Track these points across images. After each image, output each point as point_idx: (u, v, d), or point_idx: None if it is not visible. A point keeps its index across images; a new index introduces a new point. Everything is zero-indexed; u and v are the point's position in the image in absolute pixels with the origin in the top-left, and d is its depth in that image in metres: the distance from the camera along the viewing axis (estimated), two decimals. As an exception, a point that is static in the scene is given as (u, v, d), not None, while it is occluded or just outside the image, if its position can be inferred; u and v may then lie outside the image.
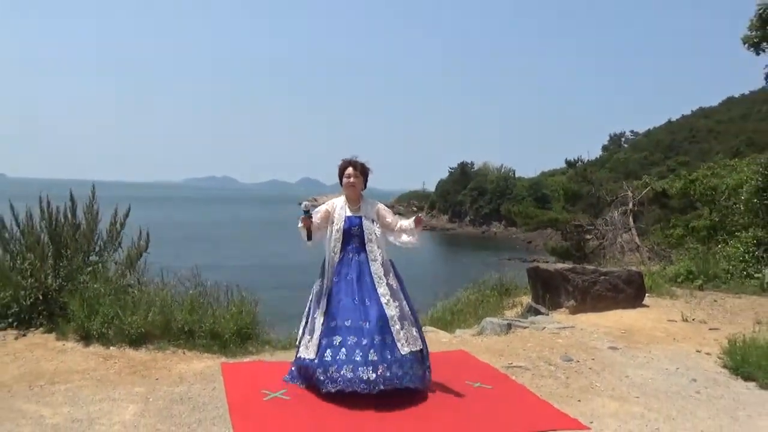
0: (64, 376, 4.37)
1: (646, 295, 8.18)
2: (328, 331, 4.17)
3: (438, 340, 6.05)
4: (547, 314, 7.28)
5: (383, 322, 4.12)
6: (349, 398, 3.96)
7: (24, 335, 5.20)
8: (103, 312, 5.10)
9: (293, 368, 4.40)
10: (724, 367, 5.23)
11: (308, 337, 4.29)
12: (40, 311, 5.38)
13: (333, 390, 3.99)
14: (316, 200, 4.88)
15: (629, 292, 7.84)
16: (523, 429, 3.83)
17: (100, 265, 5.81)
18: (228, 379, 4.44)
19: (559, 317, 7.21)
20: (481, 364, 5.12)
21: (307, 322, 4.39)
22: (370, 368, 3.97)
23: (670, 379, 4.93)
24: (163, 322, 5.21)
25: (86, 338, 5.09)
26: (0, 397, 3.98)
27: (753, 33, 11.50)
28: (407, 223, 4.43)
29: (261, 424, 3.72)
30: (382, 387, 3.95)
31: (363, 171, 4.51)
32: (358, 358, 4.00)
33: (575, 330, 6.46)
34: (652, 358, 5.50)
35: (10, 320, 5.32)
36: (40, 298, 5.38)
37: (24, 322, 5.34)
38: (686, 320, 7.07)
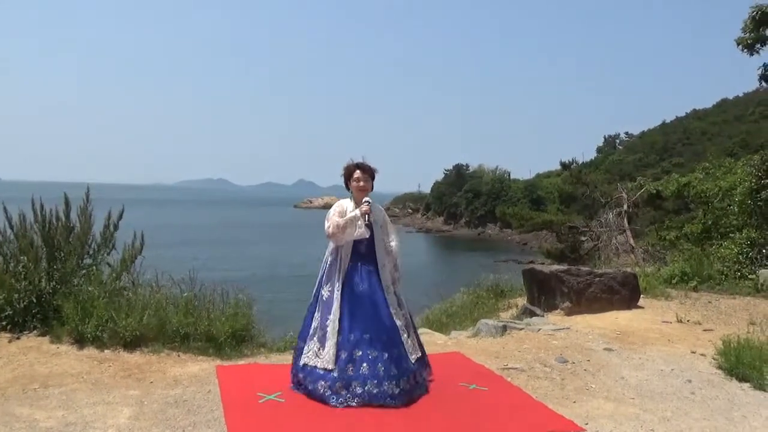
0: (58, 380, 4.36)
1: (641, 296, 8.21)
2: (347, 344, 4.04)
3: (433, 342, 6.05)
4: (543, 316, 7.29)
5: (396, 334, 4.13)
6: (413, 391, 4.12)
7: (18, 338, 5.17)
8: (97, 315, 5.09)
9: (300, 375, 4.20)
10: (719, 368, 5.25)
11: (317, 344, 4.13)
12: (34, 314, 5.35)
13: (354, 404, 3.93)
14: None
15: (624, 293, 7.86)
16: (518, 431, 3.83)
17: (94, 267, 5.80)
18: (223, 381, 4.43)
19: (555, 319, 7.22)
20: (477, 366, 5.12)
21: (310, 328, 4.24)
22: (394, 382, 4.00)
23: (665, 380, 4.94)
24: (158, 324, 5.19)
25: (80, 341, 5.07)
26: (-7, 401, 3.96)
27: (746, 35, 11.55)
28: (394, 245, 4.37)
29: (256, 426, 3.71)
30: (405, 400, 4.01)
31: (372, 174, 4.39)
32: (381, 372, 3.99)
33: (570, 331, 6.47)
34: (647, 360, 5.51)
35: (3, 323, 5.29)
36: (34, 301, 5.36)
37: (18, 325, 5.31)
38: (681, 321, 7.09)
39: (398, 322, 4.18)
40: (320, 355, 4.10)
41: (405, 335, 4.20)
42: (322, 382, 4.02)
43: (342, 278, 4.21)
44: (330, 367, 4.02)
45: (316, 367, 4.09)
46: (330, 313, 4.14)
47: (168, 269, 6.07)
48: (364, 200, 4.28)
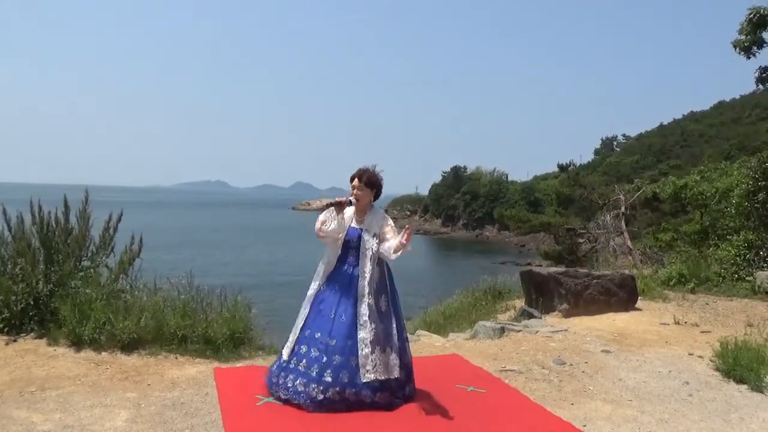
0: (55, 382, 4.34)
1: (639, 298, 8.21)
2: (302, 338, 4.15)
3: (431, 344, 6.06)
4: (540, 318, 7.30)
5: (352, 343, 4.00)
6: (341, 407, 3.95)
7: (15, 341, 5.16)
8: (94, 317, 5.07)
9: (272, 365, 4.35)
10: (717, 369, 5.26)
11: (291, 337, 4.24)
12: (31, 317, 5.34)
13: (283, 397, 4.03)
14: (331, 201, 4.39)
15: (622, 295, 7.87)
16: (516, 433, 3.84)
17: (92, 270, 5.79)
18: (221, 384, 4.42)
19: (552, 321, 7.23)
20: (474, 368, 5.12)
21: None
22: (321, 388, 3.91)
23: (662, 382, 4.95)
24: (156, 327, 5.19)
25: (78, 344, 5.05)
26: (-10, 404, 3.95)
27: (744, 37, 11.58)
28: (395, 243, 4.10)
29: (254, 429, 3.70)
30: (325, 410, 3.89)
31: (370, 182, 4.27)
32: (313, 374, 3.96)
33: (568, 333, 6.47)
34: (645, 361, 5.52)
35: (0, 326, 5.28)
36: (31, 303, 5.34)
37: (15, 327, 5.29)
38: (678, 323, 7.10)
39: (361, 334, 4.01)
40: (287, 347, 4.22)
41: (366, 350, 3.98)
42: (275, 369, 4.22)
43: (325, 278, 4.27)
44: (285, 357, 4.17)
45: (282, 355, 4.24)
46: (305, 309, 4.26)
47: (166, 272, 6.07)
48: (349, 198, 4.28)
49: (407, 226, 4.09)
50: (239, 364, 5.02)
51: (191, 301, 5.56)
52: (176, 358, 5.04)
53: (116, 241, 6.08)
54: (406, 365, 4.22)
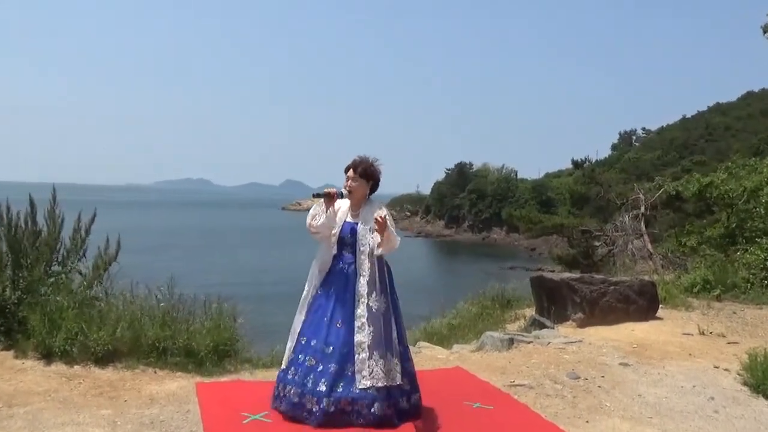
0: (24, 398, 4.33)
1: (660, 306, 8.22)
2: (298, 347, 4.17)
3: (434, 356, 6.06)
4: (553, 328, 7.30)
5: (348, 349, 4.00)
6: (338, 419, 3.94)
7: (-22, 353, 5.16)
8: (66, 327, 5.06)
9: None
10: (744, 384, 5.27)
11: (288, 345, 4.28)
12: (-3, 327, 5.34)
13: (281, 410, 4.06)
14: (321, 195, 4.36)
15: (641, 303, 7.88)
16: (526, 453, 3.84)
17: (63, 275, 5.78)
18: (203, 400, 4.42)
19: (566, 331, 7.23)
20: (481, 383, 5.12)
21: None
22: (315, 398, 3.92)
23: (685, 397, 4.95)
24: (133, 338, 5.18)
25: (48, 356, 5.04)
26: (-48, 422, 3.94)
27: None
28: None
29: (240, 449, 3.70)
30: (321, 421, 3.88)
31: (365, 173, 4.26)
32: (308, 384, 3.97)
33: (583, 345, 6.48)
34: (667, 375, 5.52)
35: (-37, 337, 5.28)
36: (-3, 312, 5.34)
37: (-21, 338, 5.29)
38: (703, 333, 7.11)
39: (358, 338, 4.00)
40: (285, 356, 4.27)
41: (363, 354, 3.97)
42: (278, 380, 4.24)
43: (320, 279, 4.28)
44: (283, 367, 4.22)
45: (282, 366, 4.28)
46: (301, 314, 4.28)
47: (144, 277, 6.06)
48: (341, 190, 4.26)
49: (378, 217, 4.02)
50: (224, 379, 5.02)
51: (172, 310, 5.56)
52: (155, 371, 5.03)
53: (89, 244, 6.07)
54: (408, 373, 4.21)
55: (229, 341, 5.43)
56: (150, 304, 5.60)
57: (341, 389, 3.94)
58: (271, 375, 4.68)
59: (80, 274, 5.92)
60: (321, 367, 3.99)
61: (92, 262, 6.00)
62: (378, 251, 4.11)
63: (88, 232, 6.06)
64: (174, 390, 4.65)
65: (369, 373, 3.95)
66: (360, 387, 3.93)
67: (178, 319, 5.50)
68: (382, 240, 4.05)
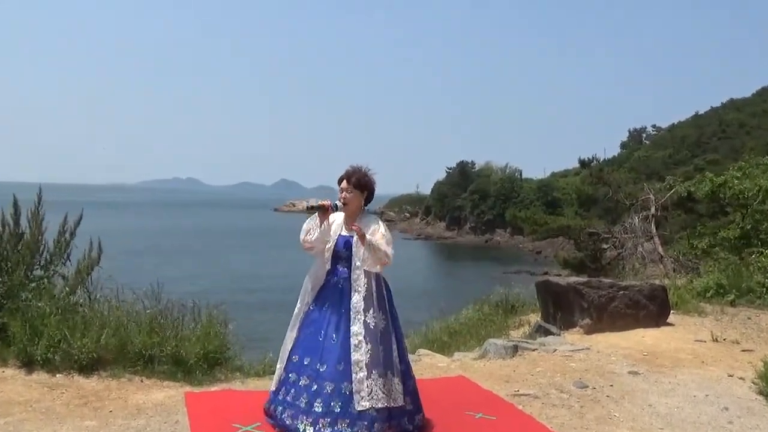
0: (4, 408, 4.33)
1: (671, 312, 8.24)
2: (290, 366, 4.15)
3: (434, 364, 6.06)
4: (559, 334, 7.31)
5: (344, 367, 3.97)
6: None
7: (-44, 362, 5.15)
8: (48, 334, 5.07)
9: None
10: (760, 393, 5.28)
11: (279, 365, 4.28)
12: (-24, 334, 5.33)
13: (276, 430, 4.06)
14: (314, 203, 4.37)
15: (652, 308, 7.89)
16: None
17: (45, 280, 5.78)
18: (192, 411, 4.42)
19: (573, 338, 7.25)
20: (484, 392, 5.13)
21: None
22: (311, 420, 3.88)
23: (698, 407, 4.96)
24: (118, 345, 5.18)
25: (29, 364, 5.04)
26: (-72, 434, 3.94)
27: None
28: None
29: (231, 462, 3.71)
30: None
31: (359, 184, 4.24)
32: (303, 405, 3.94)
33: (591, 352, 6.49)
34: (678, 384, 5.53)
35: (-60, 344, 5.27)
36: (-24, 318, 5.34)
37: (-43, 346, 5.29)
38: (716, 340, 7.12)
39: (356, 356, 3.97)
40: (275, 376, 4.26)
41: (361, 374, 3.94)
42: (267, 402, 4.23)
43: (313, 295, 4.26)
44: (273, 388, 4.21)
45: (271, 386, 4.28)
46: (293, 332, 4.26)
47: (130, 282, 6.06)
48: (335, 202, 4.23)
49: (355, 226, 4.07)
50: (214, 388, 5.02)
51: (159, 316, 5.56)
52: (141, 380, 5.03)
53: (73, 247, 6.07)
54: (411, 392, 4.19)
55: (219, 349, 5.43)
56: (136, 310, 5.61)
57: (338, 410, 3.89)
58: (264, 384, 4.69)
59: (63, 278, 5.92)
60: (315, 386, 3.96)
61: (76, 265, 5.99)
62: (375, 270, 4.10)
63: (73, 234, 6.06)
64: (162, 400, 4.66)
65: (368, 394, 3.91)
66: (358, 409, 3.89)
67: (166, 326, 5.49)
68: (360, 252, 4.06)
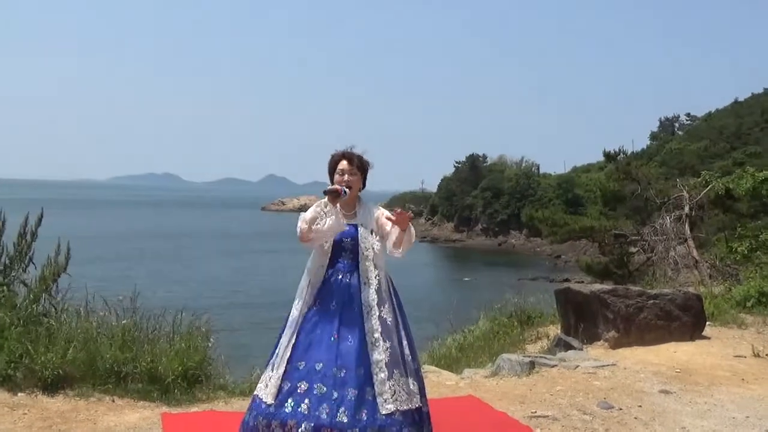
0: (-41, 432, 4.36)
1: (707, 323, 8.24)
2: (294, 374, 4.04)
3: (441, 382, 6.07)
4: (581, 349, 7.32)
5: (364, 369, 3.97)
6: None
7: None
8: (8, 348, 5.08)
9: (246, 415, 4.20)
10: (806, 415, 5.28)
11: (269, 373, 4.15)
12: (-73, 348, 5.35)
13: None
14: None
15: (685, 320, 7.89)
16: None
17: (5, 288, 5.79)
18: (171, 434, 4.44)
19: (597, 352, 7.26)
20: (497, 414, 5.14)
21: (275, 354, 4.23)
22: (336, 431, 3.87)
23: (737, 430, 4.97)
24: (87, 360, 5.19)
25: (-13, 382, 5.07)
26: None
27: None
28: (394, 235, 4.13)
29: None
30: None
31: (361, 166, 4.28)
32: (323, 416, 3.89)
33: (617, 369, 6.50)
34: (715, 405, 5.54)
35: None
36: (-73, 330, 5.35)
37: None
38: (758, 356, 7.13)
39: (375, 356, 3.99)
40: (268, 385, 4.10)
41: (382, 375, 3.96)
42: (261, 418, 4.03)
43: (313, 293, 4.21)
44: (269, 401, 4.03)
45: (261, 398, 4.09)
46: (288, 336, 4.17)
47: (100, 290, 6.08)
48: (343, 187, 4.19)
49: (397, 210, 4.04)
50: (194, 409, 5.04)
51: (133, 328, 5.57)
52: (113, 400, 5.05)
53: (36, 251, 6.08)
54: (425, 393, 4.22)
55: (200, 365, 5.44)
56: (108, 322, 5.62)
57: (366, 418, 3.88)
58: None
59: (25, 285, 5.93)
60: (336, 394, 3.92)
61: (39, 271, 6.00)
62: (397, 253, 4.10)
63: (34, 236, 6.07)
64: (135, 422, 4.66)
65: (392, 396, 3.93)
66: (384, 412, 3.89)
67: (141, 339, 5.51)
68: (402, 238, 4.05)
